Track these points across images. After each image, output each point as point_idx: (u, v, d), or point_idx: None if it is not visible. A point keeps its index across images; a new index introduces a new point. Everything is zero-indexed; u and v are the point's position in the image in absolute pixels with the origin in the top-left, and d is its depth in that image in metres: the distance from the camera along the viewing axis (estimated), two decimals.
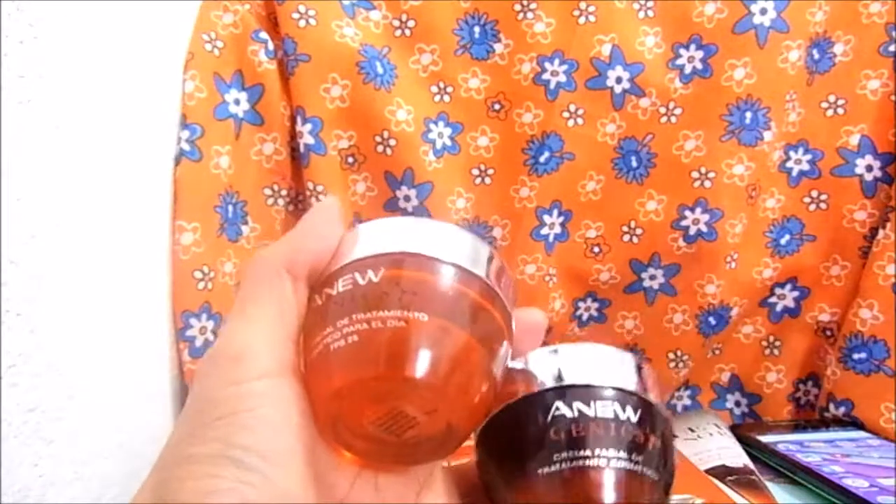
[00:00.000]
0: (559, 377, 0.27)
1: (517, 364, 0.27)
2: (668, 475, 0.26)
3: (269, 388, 0.23)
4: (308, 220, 0.26)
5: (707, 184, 0.56)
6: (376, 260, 0.25)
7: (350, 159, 0.55)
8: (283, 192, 0.56)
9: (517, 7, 0.56)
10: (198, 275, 0.49)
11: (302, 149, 0.54)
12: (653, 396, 0.27)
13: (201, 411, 0.23)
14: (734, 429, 0.58)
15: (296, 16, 0.53)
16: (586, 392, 0.26)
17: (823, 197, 0.59)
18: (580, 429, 0.25)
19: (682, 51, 0.55)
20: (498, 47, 0.56)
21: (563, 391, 0.26)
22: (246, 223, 0.54)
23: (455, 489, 0.28)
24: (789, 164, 0.59)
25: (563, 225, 0.58)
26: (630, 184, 0.57)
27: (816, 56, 0.57)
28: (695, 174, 0.56)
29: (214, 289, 0.50)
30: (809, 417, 0.61)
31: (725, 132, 0.55)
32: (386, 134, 0.54)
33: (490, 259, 0.26)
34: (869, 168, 0.58)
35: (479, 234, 0.27)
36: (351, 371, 0.23)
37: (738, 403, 0.63)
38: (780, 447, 0.52)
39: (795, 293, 0.61)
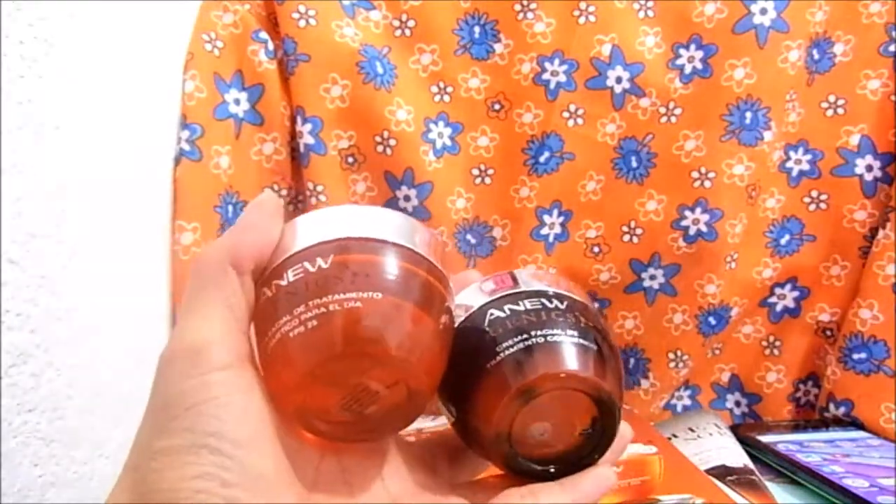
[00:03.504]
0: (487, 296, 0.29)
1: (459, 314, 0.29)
2: (609, 352, 0.27)
3: (231, 377, 0.23)
4: (248, 216, 0.27)
5: (707, 184, 0.56)
6: (323, 247, 0.25)
7: (350, 159, 0.55)
8: (283, 192, 0.56)
9: (517, 7, 0.56)
10: None
11: (302, 149, 0.54)
12: (575, 294, 0.29)
13: (167, 406, 0.23)
14: (734, 429, 0.58)
15: (296, 16, 0.53)
16: (513, 296, 0.28)
17: (823, 197, 0.59)
18: (515, 321, 0.27)
19: (682, 51, 0.55)
20: (498, 47, 0.56)
21: (492, 301, 0.28)
22: None
23: (416, 461, 0.29)
24: (789, 164, 0.59)
25: (563, 225, 0.58)
26: (630, 184, 0.57)
27: (816, 56, 0.57)
28: (695, 174, 0.56)
29: None
30: (809, 417, 0.61)
31: (725, 132, 0.55)
32: (386, 134, 0.54)
33: (425, 235, 0.28)
34: (869, 168, 0.58)
35: (406, 213, 0.31)
36: (314, 355, 0.24)
37: (738, 403, 0.63)
38: (780, 447, 0.52)
39: (795, 293, 0.61)
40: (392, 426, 0.26)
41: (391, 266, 0.26)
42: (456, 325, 0.28)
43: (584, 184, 0.57)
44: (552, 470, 0.27)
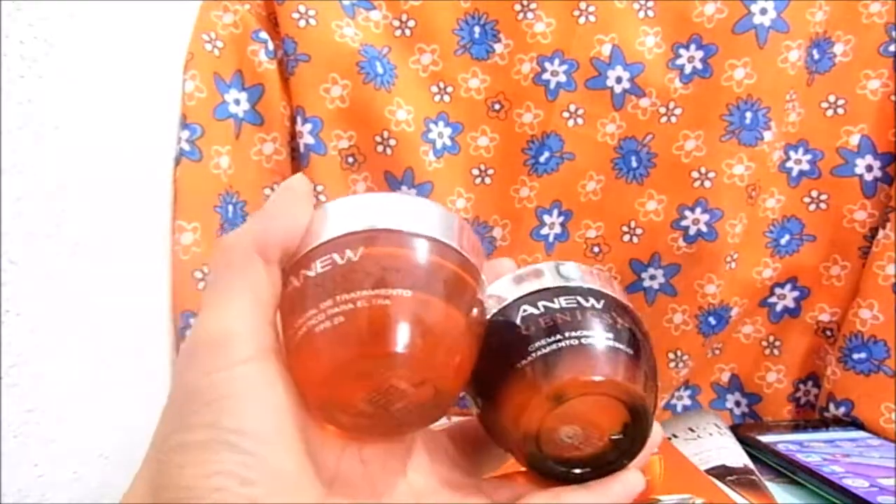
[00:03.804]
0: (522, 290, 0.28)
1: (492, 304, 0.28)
2: (644, 355, 0.26)
3: (253, 371, 0.23)
4: (276, 201, 0.26)
5: (707, 184, 0.55)
6: (353, 238, 0.25)
7: (350, 159, 0.55)
8: None
9: (517, 7, 0.56)
10: (198, 275, 0.49)
11: (302, 149, 0.54)
12: (613, 292, 0.28)
13: (188, 400, 0.23)
14: (734, 429, 0.58)
15: (296, 16, 0.53)
16: (548, 292, 0.27)
17: (823, 197, 0.59)
18: (548, 319, 0.26)
19: (682, 51, 0.55)
20: (498, 47, 0.56)
21: (527, 296, 0.27)
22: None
23: (439, 453, 0.28)
24: (789, 164, 0.59)
25: (563, 225, 0.58)
26: (630, 184, 0.57)
27: (816, 56, 0.57)
28: (695, 174, 0.56)
29: None
30: (809, 417, 0.61)
31: (725, 132, 0.55)
32: (386, 134, 0.54)
33: (457, 225, 0.27)
34: (869, 168, 0.58)
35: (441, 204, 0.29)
36: (340, 352, 0.23)
37: (738, 403, 0.63)
38: (780, 447, 0.52)
39: (795, 293, 0.61)
40: (418, 422, 0.26)
41: (422, 260, 0.25)
42: (488, 316, 0.27)
43: (584, 184, 0.57)
44: (579, 472, 0.26)
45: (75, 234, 0.37)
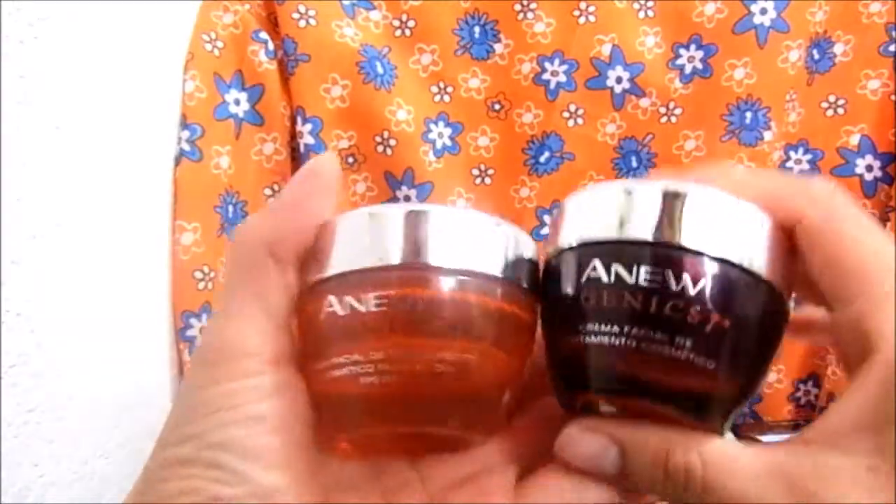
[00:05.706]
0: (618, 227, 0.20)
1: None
2: (737, 370, 0.20)
3: (258, 384, 0.22)
4: (296, 190, 0.23)
5: None
6: (379, 277, 0.21)
7: (350, 159, 0.55)
8: None
9: (517, 7, 0.56)
10: (198, 275, 0.49)
11: (302, 149, 0.54)
12: (762, 263, 0.19)
13: (187, 410, 0.22)
14: (734, 429, 0.58)
15: (296, 16, 0.53)
16: (634, 248, 0.19)
17: None
18: (613, 298, 0.19)
19: (682, 51, 0.55)
20: (498, 47, 0.56)
21: (602, 245, 0.20)
22: None
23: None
24: (789, 164, 0.59)
25: None
26: None
27: (816, 56, 0.57)
28: None
29: (215, 289, 0.50)
30: (809, 417, 0.61)
31: (725, 132, 0.55)
32: (386, 134, 0.54)
33: (510, 244, 0.22)
34: (869, 168, 0.58)
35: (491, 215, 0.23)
36: (353, 420, 0.22)
37: None
38: None
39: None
40: (440, 450, 0.24)
41: (458, 304, 0.20)
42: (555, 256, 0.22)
43: (584, 184, 0.57)
44: None
45: (75, 234, 0.37)
